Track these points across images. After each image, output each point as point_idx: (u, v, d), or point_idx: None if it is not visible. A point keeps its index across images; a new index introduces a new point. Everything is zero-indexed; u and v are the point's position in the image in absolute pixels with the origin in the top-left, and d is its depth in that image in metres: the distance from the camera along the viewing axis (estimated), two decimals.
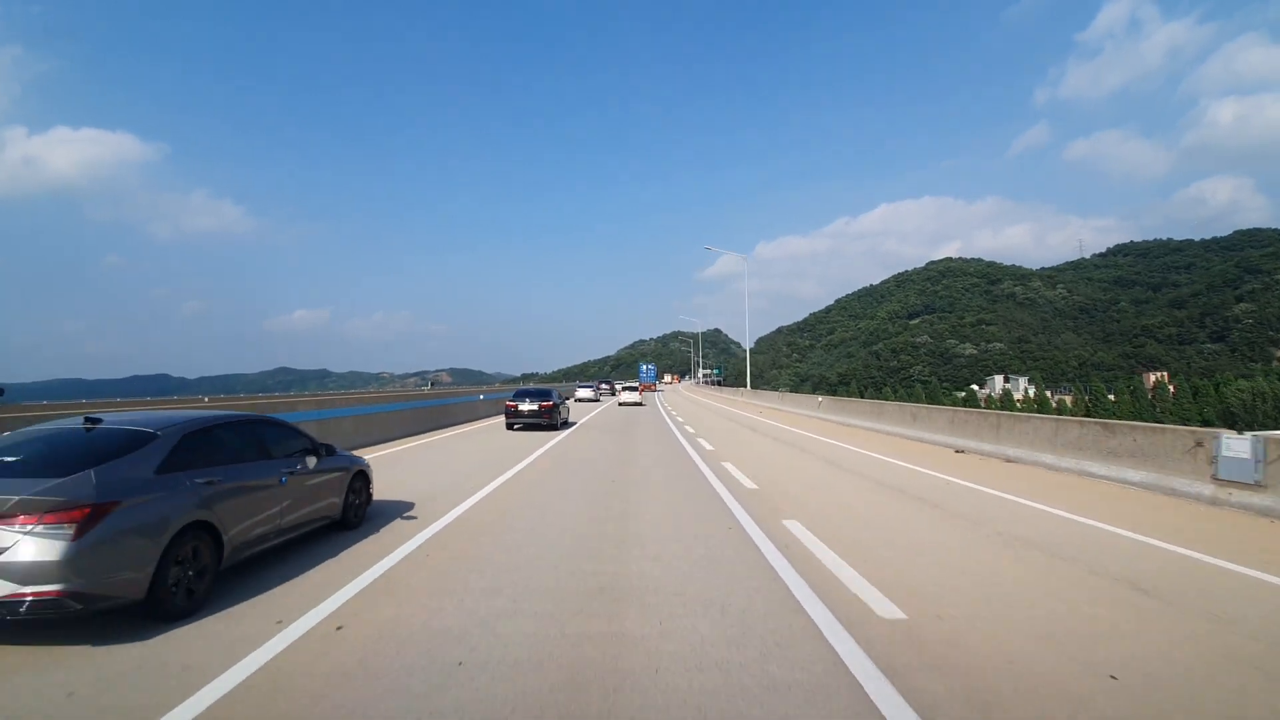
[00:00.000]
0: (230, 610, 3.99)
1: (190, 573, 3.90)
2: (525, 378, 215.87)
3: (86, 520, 3.33)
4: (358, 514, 6.08)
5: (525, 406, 17.45)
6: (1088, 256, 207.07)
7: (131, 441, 3.91)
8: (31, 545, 3.20)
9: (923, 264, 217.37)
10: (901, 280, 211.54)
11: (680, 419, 22.30)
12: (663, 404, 35.63)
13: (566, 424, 19.55)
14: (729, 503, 7.33)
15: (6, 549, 3.18)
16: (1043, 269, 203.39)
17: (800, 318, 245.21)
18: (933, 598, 4.16)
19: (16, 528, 3.21)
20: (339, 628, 3.69)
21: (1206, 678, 3.11)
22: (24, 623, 3.61)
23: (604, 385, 55.51)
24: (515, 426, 17.63)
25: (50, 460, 3.66)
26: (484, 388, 31.67)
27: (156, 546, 3.64)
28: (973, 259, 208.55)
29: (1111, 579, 4.60)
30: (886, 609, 3.94)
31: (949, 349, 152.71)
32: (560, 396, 19.59)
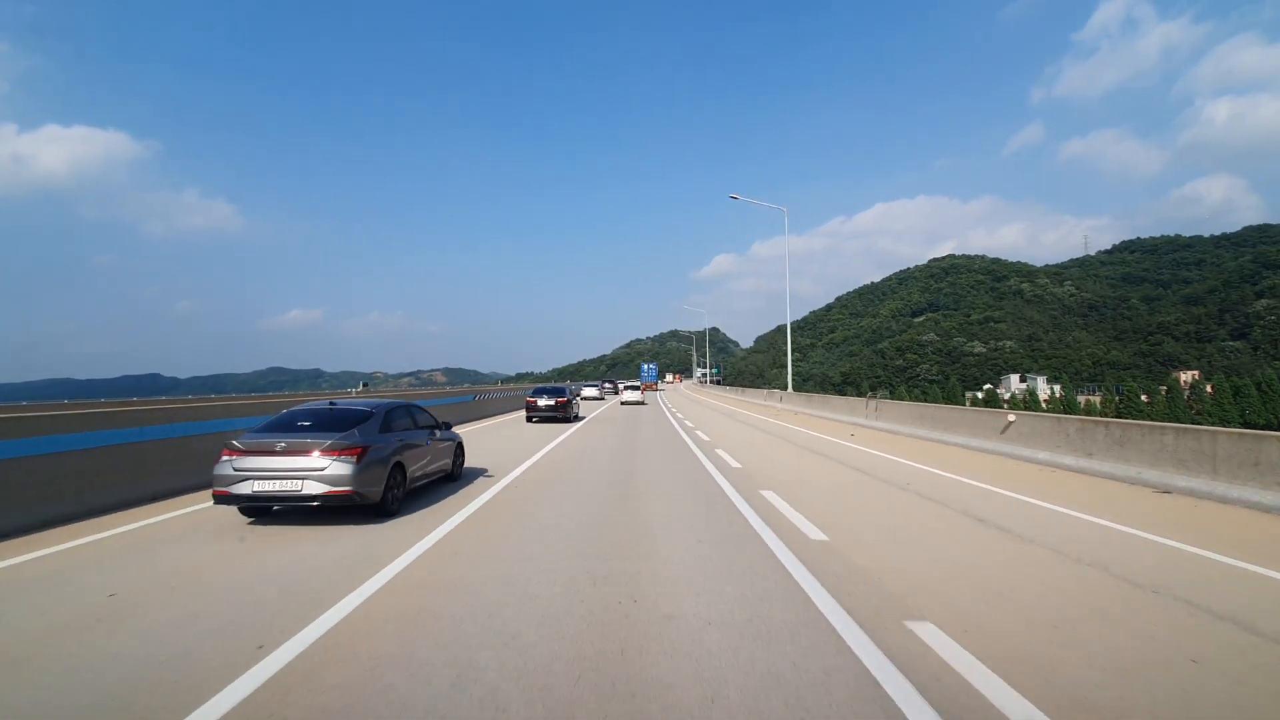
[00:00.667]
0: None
1: (395, 491, 7.05)
2: (520, 377, 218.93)
3: (360, 455, 6.48)
4: (458, 470, 9.26)
5: (543, 402, 20.66)
6: (1093, 254, 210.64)
7: (364, 415, 7.06)
8: (336, 466, 6.34)
9: (924, 261, 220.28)
10: (903, 278, 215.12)
11: (728, 455, 12.05)
12: (666, 406, 34.09)
13: (578, 418, 22.73)
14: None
15: (325, 468, 6.31)
16: (1047, 266, 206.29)
17: (797, 317, 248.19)
18: None
19: (329, 458, 6.34)
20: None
21: None
22: (330, 509, 6.80)
23: (608, 384, 58.99)
24: (534, 419, 20.80)
25: (327, 424, 6.79)
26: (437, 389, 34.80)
27: (384, 472, 6.80)
28: (976, 255, 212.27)
29: None
30: None
31: (957, 347, 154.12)
32: (572, 393, 22.77)
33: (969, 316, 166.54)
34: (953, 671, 3.26)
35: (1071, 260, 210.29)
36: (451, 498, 8.01)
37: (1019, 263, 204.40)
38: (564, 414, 20.82)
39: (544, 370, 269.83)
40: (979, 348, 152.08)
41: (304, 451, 6.34)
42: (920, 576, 4.84)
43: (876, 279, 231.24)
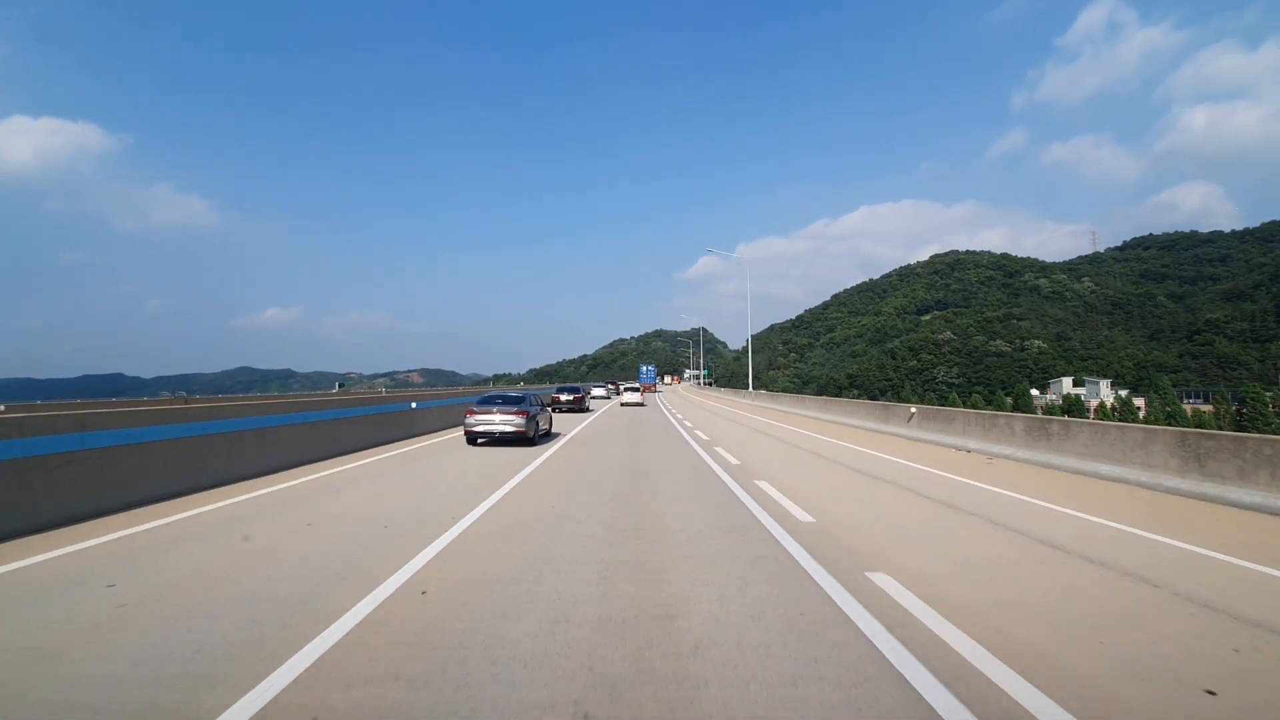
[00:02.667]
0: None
1: (535, 433, 17.77)
2: (497, 378, 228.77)
3: (526, 416, 17.16)
4: (550, 429, 19.97)
5: (565, 397, 31.74)
6: (1101, 250, 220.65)
7: (523, 397, 17.85)
8: (517, 420, 16.98)
9: (925, 258, 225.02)
10: (905, 274, 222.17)
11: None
12: (668, 409, 38.26)
13: (589, 410, 33.50)
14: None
15: (512, 419, 16.93)
16: (1056, 262, 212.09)
17: (782, 319, 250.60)
18: None
19: (515, 416, 16.98)
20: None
21: None
22: (509, 440, 17.46)
23: (612, 385, 71.20)
24: (556, 410, 31.53)
25: (508, 401, 17.46)
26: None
27: (533, 424, 17.53)
28: (982, 251, 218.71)
29: None
30: None
31: (978, 347, 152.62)
32: (585, 391, 33.69)
33: (983, 314, 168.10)
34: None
35: (1080, 257, 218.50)
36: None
37: (1029, 258, 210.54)
38: (580, 406, 31.90)
39: (521, 371, 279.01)
40: (1003, 347, 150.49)
41: (503, 413, 16.92)
42: None
43: (864, 281, 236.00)
